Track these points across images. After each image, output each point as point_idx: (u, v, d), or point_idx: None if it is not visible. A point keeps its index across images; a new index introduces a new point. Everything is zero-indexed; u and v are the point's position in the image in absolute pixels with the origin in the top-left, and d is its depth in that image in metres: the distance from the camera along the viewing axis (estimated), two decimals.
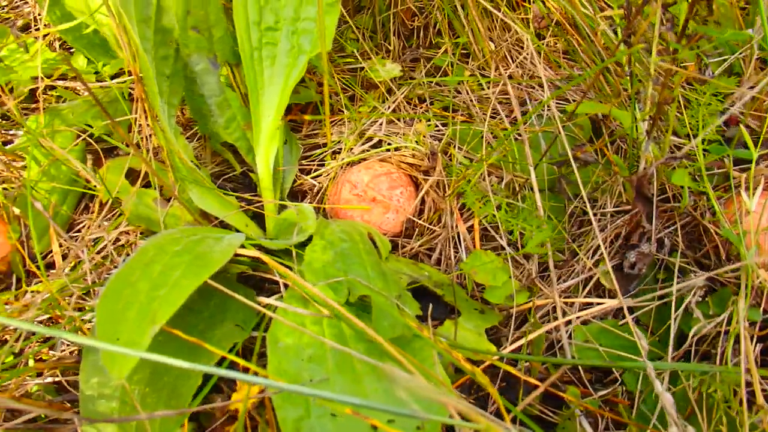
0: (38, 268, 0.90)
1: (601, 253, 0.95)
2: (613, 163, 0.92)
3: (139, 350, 0.65)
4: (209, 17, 0.95)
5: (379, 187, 0.98)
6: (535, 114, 1.09)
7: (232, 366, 0.82)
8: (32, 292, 0.89)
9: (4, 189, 0.98)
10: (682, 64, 0.79)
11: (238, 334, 0.80)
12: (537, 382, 0.76)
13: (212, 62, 0.97)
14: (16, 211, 0.95)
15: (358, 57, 1.13)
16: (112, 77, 1.22)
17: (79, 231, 1.00)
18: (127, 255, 0.96)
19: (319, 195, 1.04)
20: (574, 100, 1.14)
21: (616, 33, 0.99)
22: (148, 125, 1.03)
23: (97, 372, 0.78)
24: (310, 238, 0.88)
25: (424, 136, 1.05)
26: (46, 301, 0.78)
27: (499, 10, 1.09)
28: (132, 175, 1.01)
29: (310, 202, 1.04)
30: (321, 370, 0.77)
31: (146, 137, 1.05)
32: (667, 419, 0.63)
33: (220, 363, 0.79)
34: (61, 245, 0.95)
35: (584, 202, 0.99)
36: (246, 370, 0.82)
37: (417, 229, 0.99)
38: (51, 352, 0.86)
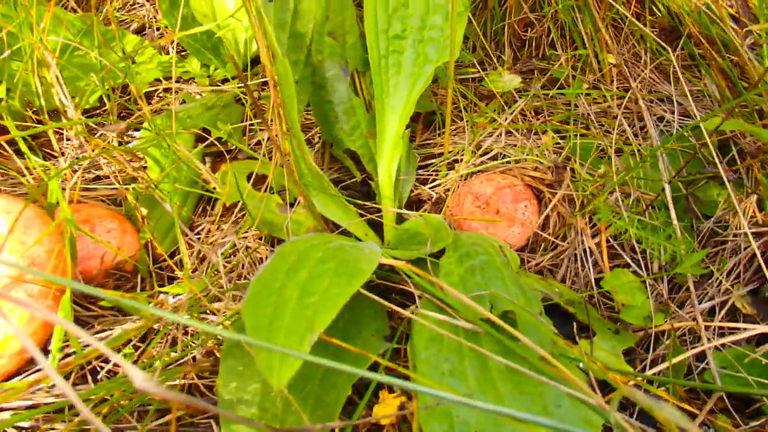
0: (181, 269, 0.90)
1: (736, 276, 0.92)
2: (759, 183, 0.89)
3: (296, 361, 0.64)
4: (345, 23, 0.95)
5: (503, 199, 0.96)
6: (658, 131, 1.07)
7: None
8: (165, 293, 0.89)
9: (133, 189, 0.99)
10: None
11: (377, 345, 0.79)
12: (693, 409, 0.73)
13: (343, 69, 0.96)
14: (144, 211, 0.95)
15: (477, 66, 1.12)
16: (223, 81, 1.23)
17: (198, 233, 1.01)
18: (254, 260, 0.96)
19: (440, 206, 1.03)
20: (698, 116, 1.10)
21: (752, 48, 0.96)
22: (261, 129, 1.03)
23: (235, 377, 0.77)
24: (441, 250, 0.87)
25: (545, 150, 1.03)
26: (189, 302, 0.78)
27: (625, 22, 1.07)
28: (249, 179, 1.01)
29: (429, 213, 1.03)
30: (462, 385, 0.75)
31: (263, 141, 1.05)
32: None
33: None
34: (191, 246, 0.96)
35: (714, 222, 0.96)
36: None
37: (542, 244, 0.97)
38: (173, 354, 0.85)
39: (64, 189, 0.93)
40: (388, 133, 0.97)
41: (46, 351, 0.79)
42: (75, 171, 1.00)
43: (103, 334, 0.82)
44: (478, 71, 1.13)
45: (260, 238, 0.99)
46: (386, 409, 0.76)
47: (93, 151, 1.03)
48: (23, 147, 0.85)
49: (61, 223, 0.81)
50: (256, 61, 1.20)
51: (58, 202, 0.89)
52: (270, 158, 1.03)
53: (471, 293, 0.79)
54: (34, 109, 1.06)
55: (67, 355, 0.80)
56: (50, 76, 0.96)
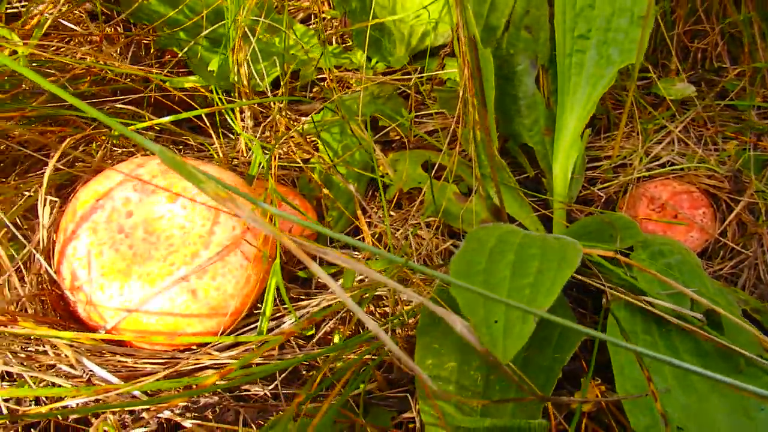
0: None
1: None
2: None
3: (521, 335, 0.66)
4: (540, 19, 0.96)
5: (680, 204, 0.96)
6: None
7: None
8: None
9: (319, 171, 1.02)
10: None
11: (575, 335, 0.80)
12: None
13: (533, 63, 0.98)
14: (326, 191, 0.98)
15: (652, 71, 1.12)
16: (384, 74, 1.26)
17: (370, 218, 1.03)
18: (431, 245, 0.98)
19: (610, 207, 1.03)
20: None
21: None
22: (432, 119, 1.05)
23: (431, 354, 0.78)
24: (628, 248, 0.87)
25: (721, 162, 1.02)
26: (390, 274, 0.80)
27: None
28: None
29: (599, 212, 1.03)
30: (660, 380, 0.75)
31: (441, 131, 1.07)
32: None
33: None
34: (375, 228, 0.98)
35: None
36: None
37: (720, 252, 0.96)
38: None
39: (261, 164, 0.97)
40: (566, 132, 0.98)
41: (254, 314, 0.83)
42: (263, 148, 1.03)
43: (302, 303, 0.84)
44: (649, 77, 1.14)
45: (435, 227, 1.01)
46: (587, 396, 0.76)
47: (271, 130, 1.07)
48: (235, 121, 0.89)
49: (268, 193, 0.84)
50: (417, 56, 1.23)
51: (254, 176, 0.93)
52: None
53: (669, 290, 0.79)
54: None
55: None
56: (245, 56, 1.00)
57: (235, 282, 0.77)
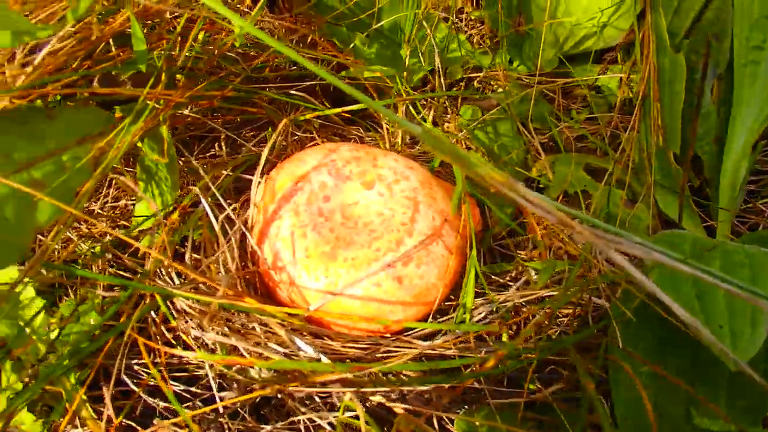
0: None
1: None
2: None
3: (753, 340, 0.65)
4: (726, 26, 0.96)
5: None
6: None
7: None
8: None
9: None
10: None
11: None
12: None
13: (713, 72, 0.97)
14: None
15: None
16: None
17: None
18: None
19: None
20: None
21: None
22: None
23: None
24: None
25: None
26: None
27: None
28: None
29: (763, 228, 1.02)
30: None
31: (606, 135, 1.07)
32: None
33: None
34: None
35: None
36: None
37: None
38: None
39: None
40: (736, 144, 0.97)
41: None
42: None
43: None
44: None
45: None
46: None
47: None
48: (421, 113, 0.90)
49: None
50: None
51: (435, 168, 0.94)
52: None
53: None
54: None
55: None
56: (424, 49, 1.01)
57: (437, 272, 0.77)
